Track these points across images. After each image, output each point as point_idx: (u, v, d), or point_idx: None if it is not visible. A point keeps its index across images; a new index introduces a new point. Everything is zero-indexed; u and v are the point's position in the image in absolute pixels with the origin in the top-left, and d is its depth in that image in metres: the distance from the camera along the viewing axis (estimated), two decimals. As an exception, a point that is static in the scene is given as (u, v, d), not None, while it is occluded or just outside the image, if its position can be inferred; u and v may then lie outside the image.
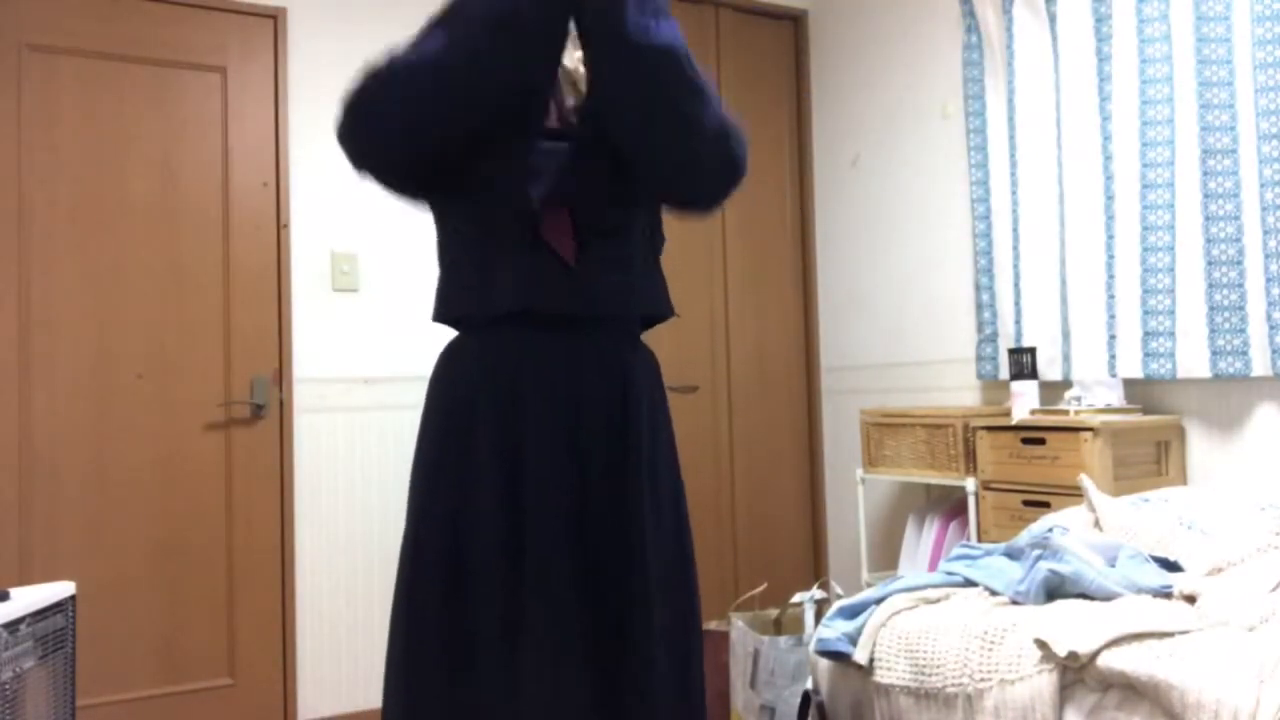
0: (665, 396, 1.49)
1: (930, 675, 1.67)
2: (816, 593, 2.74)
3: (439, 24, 1.30)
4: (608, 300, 1.37)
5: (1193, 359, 2.57)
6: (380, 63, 1.31)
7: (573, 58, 1.44)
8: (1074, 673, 1.52)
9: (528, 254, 1.33)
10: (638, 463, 1.36)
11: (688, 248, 3.72)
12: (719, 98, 1.34)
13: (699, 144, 1.30)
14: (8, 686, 1.83)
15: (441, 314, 1.43)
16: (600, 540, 1.34)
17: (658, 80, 1.26)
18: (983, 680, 1.60)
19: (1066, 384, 2.92)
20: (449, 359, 1.42)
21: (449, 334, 3.24)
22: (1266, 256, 2.43)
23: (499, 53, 1.27)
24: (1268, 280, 2.42)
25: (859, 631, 1.83)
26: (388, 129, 1.30)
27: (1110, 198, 2.77)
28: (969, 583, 1.94)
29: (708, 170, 1.33)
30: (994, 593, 1.86)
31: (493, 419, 1.34)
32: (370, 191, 3.23)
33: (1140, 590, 1.74)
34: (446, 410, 1.38)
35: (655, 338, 3.54)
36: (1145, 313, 2.68)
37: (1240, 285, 2.49)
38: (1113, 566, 1.85)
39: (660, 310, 1.46)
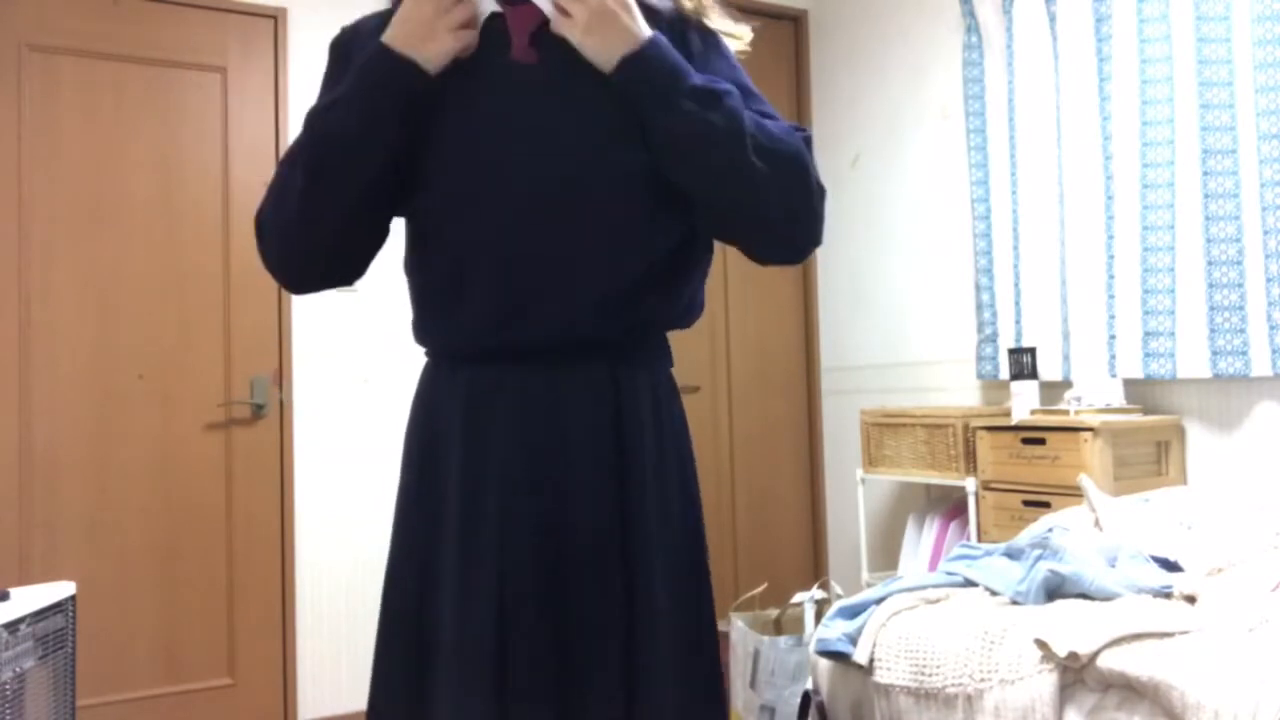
0: (680, 420, 1.20)
1: (930, 675, 1.67)
2: (816, 593, 2.74)
3: (282, 165, 1.13)
4: (604, 321, 1.11)
5: (1193, 359, 2.57)
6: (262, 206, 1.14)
7: None
8: (1074, 673, 1.52)
9: (508, 275, 1.10)
10: (637, 523, 1.12)
11: (688, 248, 3.72)
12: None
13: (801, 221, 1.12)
14: (8, 686, 1.83)
15: (417, 338, 1.25)
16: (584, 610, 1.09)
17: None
18: (983, 680, 1.60)
19: (1066, 384, 2.92)
20: (423, 390, 1.24)
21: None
22: (1266, 256, 2.43)
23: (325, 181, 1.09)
24: (1268, 280, 2.42)
25: (859, 631, 1.83)
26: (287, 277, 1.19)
27: (1110, 198, 2.77)
28: (969, 583, 1.94)
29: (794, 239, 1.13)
30: (994, 593, 1.86)
31: (458, 468, 1.13)
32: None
33: (1140, 590, 1.74)
34: (413, 451, 1.19)
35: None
36: (1145, 313, 2.68)
37: (1240, 285, 2.49)
38: (1113, 567, 1.85)
39: (668, 323, 1.18)
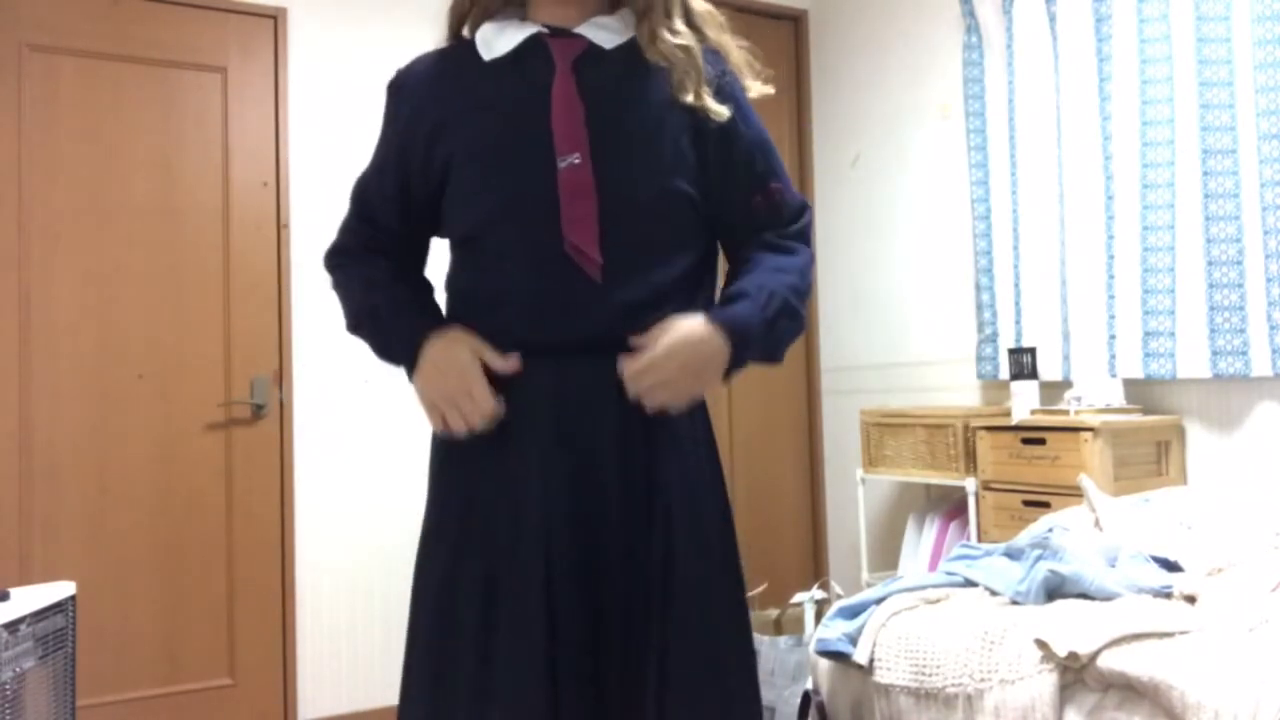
0: (707, 425, 1.30)
1: (930, 675, 1.67)
2: (816, 593, 2.74)
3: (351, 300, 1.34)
4: (633, 324, 1.20)
5: (1193, 359, 2.57)
6: (332, 258, 1.35)
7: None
8: (1074, 673, 1.52)
9: (547, 277, 1.20)
10: (665, 511, 1.20)
11: (688, 248, 3.72)
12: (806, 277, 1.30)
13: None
14: (8, 686, 1.83)
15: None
16: (616, 590, 1.18)
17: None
18: (983, 680, 1.60)
19: (1066, 384, 2.92)
20: None
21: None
22: (1266, 256, 2.43)
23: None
24: (1268, 280, 2.42)
25: (859, 631, 1.83)
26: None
27: (1110, 198, 2.77)
28: (969, 583, 1.94)
29: None
30: (994, 593, 1.86)
31: (496, 462, 1.21)
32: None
33: (1140, 590, 1.74)
34: (448, 450, 1.26)
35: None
36: (1145, 313, 2.68)
37: (1240, 285, 2.49)
38: (1113, 567, 1.85)
39: None
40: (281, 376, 3.07)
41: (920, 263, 3.53)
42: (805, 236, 1.32)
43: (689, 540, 1.20)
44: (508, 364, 1.19)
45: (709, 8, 1.29)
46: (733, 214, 1.29)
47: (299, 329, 3.09)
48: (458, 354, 1.20)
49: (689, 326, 1.17)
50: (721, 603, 1.22)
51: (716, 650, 1.19)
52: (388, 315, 1.28)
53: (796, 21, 4.04)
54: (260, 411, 3.05)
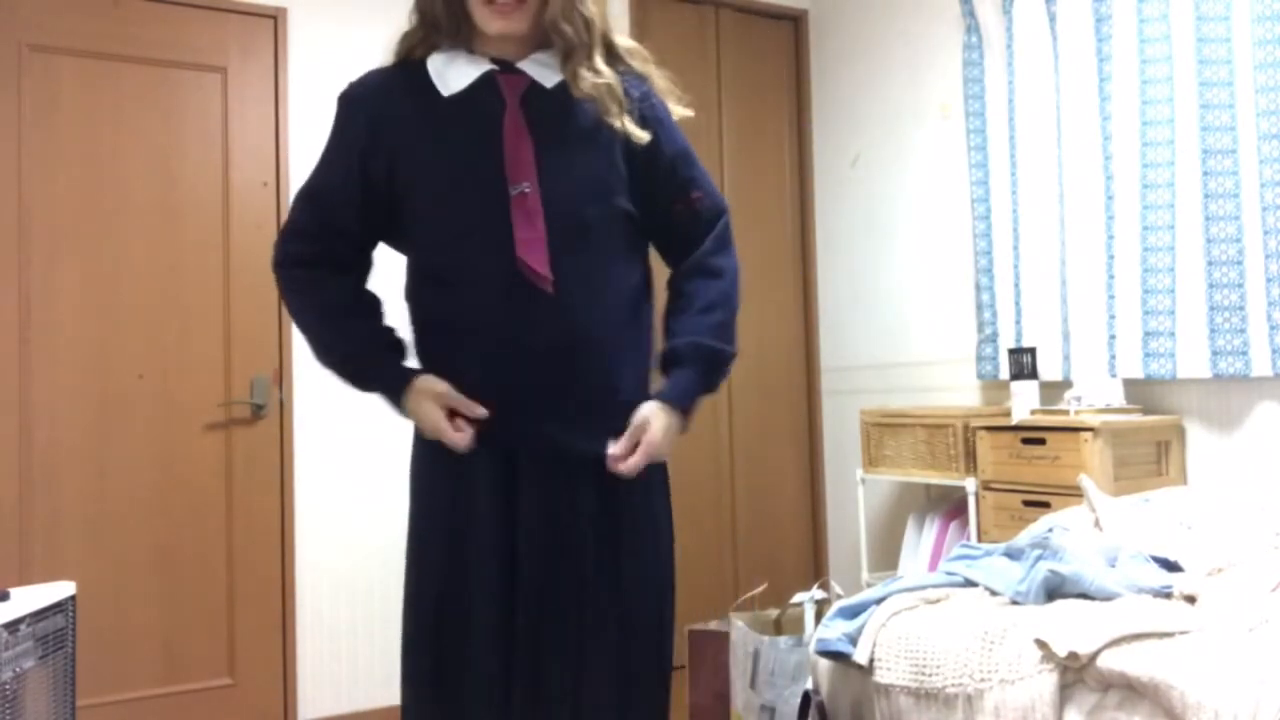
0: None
1: (930, 675, 1.67)
2: (816, 593, 2.74)
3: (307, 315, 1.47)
4: (585, 332, 1.39)
5: (1193, 359, 2.57)
6: (278, 260, 1.46)
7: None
8: (1074, 673, 1.52)
9: (504, 295, 1.35)
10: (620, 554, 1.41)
11: (688, 248, 3.71)
12: (736, 288, 1.52)
13: None
14: (8, 686, 1.83)
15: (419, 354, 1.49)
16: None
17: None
18: (983, 680, 1.60)
19: (1066, 384, 2.92)
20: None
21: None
22: (1266, 256, 2.43)
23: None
24: (1268, 280, 2.42)
25: (859, 631, 1.83)
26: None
27: (1110, 198, 2.77)
28: (969, 583, 1.94)
29: None
30: (994, 593, 1.86)
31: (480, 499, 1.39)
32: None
33: (1140, 590, 1.74)
34: (430, 484, 1.44)
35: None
36: (1145, 313, 2.68)
37: (1240, 285, 2.49)
38: (1113, 567, 1.85)
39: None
40: (281, 376, 3.07)
41: (920, 263, 3.53)
42: (725, 242, 1.52)
43: (646, 515, 1.43)
44: (475, 413, 1.36)
45: (632, 44, 1.47)
46: (658, 219, 1.48)
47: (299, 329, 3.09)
48: (426, 411, 1.38)
49: (655, 424, 1.38)
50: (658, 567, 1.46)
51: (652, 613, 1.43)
52: (368, 365, 1.44)
53: (796, 21, 4.04)
54: (260, 411, 3.05)
